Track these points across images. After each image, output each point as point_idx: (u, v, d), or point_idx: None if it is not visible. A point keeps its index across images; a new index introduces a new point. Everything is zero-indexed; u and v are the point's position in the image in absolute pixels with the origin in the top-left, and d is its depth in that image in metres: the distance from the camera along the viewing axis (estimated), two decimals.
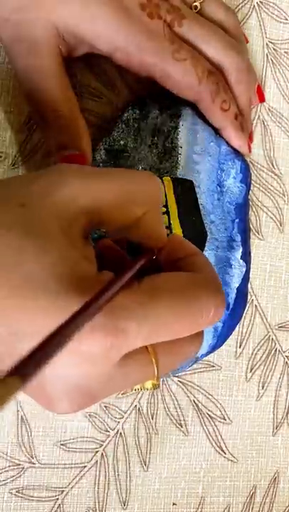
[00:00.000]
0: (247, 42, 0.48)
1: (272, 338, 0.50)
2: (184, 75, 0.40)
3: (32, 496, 0.45)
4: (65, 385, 0.27)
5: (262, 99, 0.48)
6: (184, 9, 0.41)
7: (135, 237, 0.31)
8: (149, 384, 0.30)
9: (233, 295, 0.46)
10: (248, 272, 0.47)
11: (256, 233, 0.50)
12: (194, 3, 0.42)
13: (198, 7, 0.42)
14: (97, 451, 0.46)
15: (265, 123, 0.50)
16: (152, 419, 0.47)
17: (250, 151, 0.46)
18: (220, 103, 0.42)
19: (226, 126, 0.44)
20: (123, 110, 0.44)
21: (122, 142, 0.43)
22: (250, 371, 0.49)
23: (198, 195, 0.45)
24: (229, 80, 0.43)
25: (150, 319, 0.25)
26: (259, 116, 0.50)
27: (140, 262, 0.29)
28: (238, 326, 0.49)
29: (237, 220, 0.46)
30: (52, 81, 0.38)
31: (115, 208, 0.29)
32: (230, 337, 0.48)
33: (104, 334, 0.24)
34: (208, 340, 0.45)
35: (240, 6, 0.49)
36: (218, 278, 0.30)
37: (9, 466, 0.44)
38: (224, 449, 0.49)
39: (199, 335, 0.30)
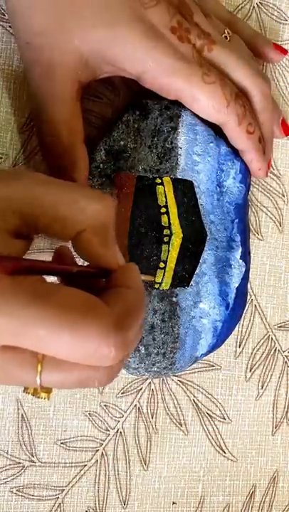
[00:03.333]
0: (285, 54, 0.48)
1: (272, 338, 0.50)
2: (213, 97, 0.40)
3: (32, 495, 0.45)
4: None
5: (287, 132, 0.48)
6: (215, 35, 0.41)
7: (79, 253, 0.31)
8: (42, 393, 0.28)
9: (232, 295, 0.46)
10: (247, 271, 0.47)
11: (256, 233, 0.50)
12: (224, 34, 0.42)
13: (228, 39, 0.43)
14: (97, 450, 0.46)
15: None
16: (152, 418, 0.47)
17: (266, 176, 0.47)
18: (246, 126, 0.42)
19: (249, 148, 0.44)
20: (123, 111, 0.44)
21: (122, 143, 0.44)
22: (250, 371, 0.50)
23: (197, 196, 0.45)
24: (255, 105, 0.43)
25: (17, 320, 0.24)
26: None
27: (59, 266, 0.29)
28: (237, 326, 0.49)
29: (236, 221, 0.46)
30: (59, 107, 0.38)
31: (49, 220, 0.29)
32: (230, 337, 0.48)
33: None
34: (207, 339, 0.45)
35: (240, 6, 0.49)
36: (134, 320, 0.28)
37: (9, 465, 0.44)
38: (224, 448, 0.49)
39: (104, 369, 0.27)
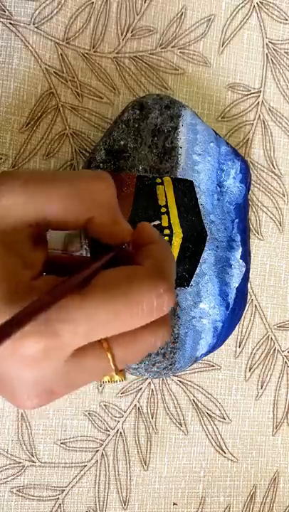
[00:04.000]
0: None
1: (272, 338, 0.50)
2: None
3: (32, 495, 0.45)
4: (24, 383, 0.28)
5: None
6: None
7: (94, 235, 0.32)
8: (116, 377, 0.30)
9: (232, 295, 0.46)
10: (247, 271, 0.47)
11: (256, 233, 0.50)
12: None
13: None
14: (97, 451, 0.46)
15: (266, 123, 0.50)
16: (152, 418, 0.47)
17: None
18: None
19: None
20: (123, 110, 0.44)
21: (122, 142, 0.43)
22: (249, 370, 0.49)
23: (198, 196, 0.45)
24: None
25: (83, 320, 0.26)
26: (259, 116, 0.50)
27: (98, 263, 0.30)
28: (237, 326, 0.49)
29: (237, 220, 0.46)
30: None
31: (59, 216, 0.29)
32: (230, 337, 0.48)
33: (37, 338, 0.26)
34: (207, 340, 0.45)
35: (241, 6, 0.49)
36: (167, 266, 0.30)
37: (10, 464, 0.44)
38: (224, 448, 0.49)
39: (161, 324, 0.29)
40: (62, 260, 0.34)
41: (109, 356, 0.28)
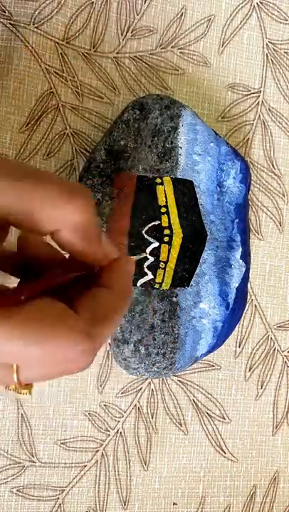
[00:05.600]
0: None
1: (272, 338, 0.50)
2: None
3: (32, 495, 0.45)
4: None
5: None
6: None
7: (61, 248, 0.30)
8: (22, 389, 0.29)
9: (232, 295, 0.46)
10: (247, 271, 0.47)
11: (256, 233, 0.50)
12: None
13: None
14: (97, 451, 0.46)
15: (266, 123, 0.50)
16: (152, 418, 0.47)
17: None
18: None
19: None
20: (123, 110, 0.44)
21: (122, 142, 0.43)
22: (249, 370, 0.49)
23: (198, 196, 0.45)
24: None
25: None
26: (259, 116, 0.50)
27: (49, 280, 0.28)
28: (237, 326, 0.49)
29: (237, 220, 0.46)
30: None
31: (20, 218, 0.28)
32: (230, 337, 0.48)
33: None
34: (207, 340, 0.45)
35: (241, 6, 0.49)
36: (106, 323, 0.28)
37: (10, 464, 0.44)
38: (224, 448, 0.49)
39: (74, 361, 0.28)
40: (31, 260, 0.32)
41: (14, 368, 0.27)
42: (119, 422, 0.46)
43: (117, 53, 0.47)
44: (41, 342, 0.26)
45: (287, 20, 0.51)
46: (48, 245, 0.32)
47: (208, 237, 0.45)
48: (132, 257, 0.31)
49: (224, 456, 0.49)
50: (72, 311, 0.27)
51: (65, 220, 0.28)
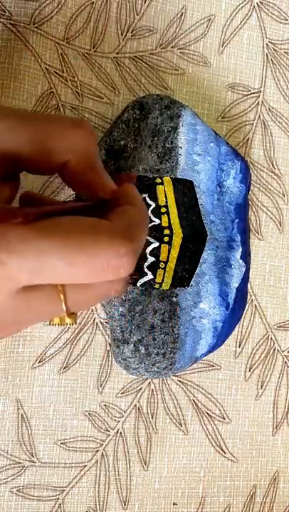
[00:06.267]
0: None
1: (272, 338, 0.50)
2: None
3: (32, 496, 0.45)
4: None
5: None
6: None
7: (69, 184, 0.31)
8: (67, 319, 0.29)
9: (232, 295, 0.46)
10: (247, 271, 0.47)
11: (256, 233, 0.50)
12: None
13: None
14: (97, 451, 0.46)
15: (266, 123, 0.50)
16: (152, 418, 0.47)
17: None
18: None
19: None
20: (123, 110, 0.44)
21: (122, 142, 0.43)
22: (249, 370, 0.49)
23: (198, 196, 0.45)
24: None
25: (31, 256, 0.25)
26: (259, 116, 0.50)
27: (65, 205, 0.29)
28: (237, 326, 0.49)
29: (237, 220, 0.46)
30: None
31: (33, 154, 0.28)
32: (230, 337, 0.48)
33: None
34: (207, 340, 0.45)
35: (241, 6, 0.50)
36: (137, 230, 0.28)
37: (10, 465, 0.44)
38: (224, 448, 0.49)
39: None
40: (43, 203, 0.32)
41: (62, 298, 0.27)
42: (119, 422, 0.46)
43: (117, 53, 0.47)
44: (84, 249, 0.25)
45: (287, 20, 0.51)
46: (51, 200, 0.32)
47: (208, 237, 0.45)
48: (132, 185, 0.32)
49: (224, 456, 0.49)
50: (105, 220, 0.27)
51: (73, 148, 0.29)
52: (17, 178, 0.31)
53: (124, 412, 0.47)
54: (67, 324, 0.29)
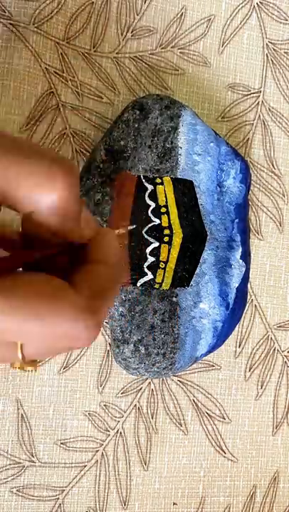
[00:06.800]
0: None
1: (272, 338, 0.50)
2: None
3: (32, 495, 0.45)
4: None
5: None
6: None
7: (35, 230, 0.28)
8: (28, 367, 0.28)
9: (232, 295, 0.46)
10: (247, 271, 0.47)
11: (256, 233, 0.50)
12: None
13: None
14: (97, 451, 0.46)
15: (266, 123, 0.50)
16: (152, 418, 0.47)
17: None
18: None
19: None
20: (123, 110, 0.44)
21: (122, 142, 0.43)
22: (249, 370, 0.49)
23: (198, 196, 0.45)
24: None
25: None
26: (259, 116, 0.50)
27: (33, 254, 0.27)
28: (237, 326, 0.49)
29: (237, 220, 0.46)
30: None
31: (20, 192, 0.25)
32: (230, 337, 0.48)
33: None
34: (207, 340, 0.45)
35: (240, 6, 0.49)
36: (106, 297, 0.27)
37: (10, 465, 0.44)
38: (224, 448, 0.49)
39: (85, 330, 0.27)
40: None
41: (19, 348, 0.26)
42: (119, 422, 0.46)
43: (117, 53, 0.47)
44: (41, 318, 0.25)
45: (287, 20, 0.51)
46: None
47: (208, 237, 0.45)
48: (112, 230, 0.30)
49: (224, 456, 0.49)
50: (69, 285, 0.26)
51: (41, 201, 0.25)
52: None
53: (124, 412, 0.47)
54: (28, 370, 0.29)
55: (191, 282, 0.45)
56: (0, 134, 0.26)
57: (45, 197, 0.25)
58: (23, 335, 0.25)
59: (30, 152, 0.25)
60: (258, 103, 0.50)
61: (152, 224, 0.44)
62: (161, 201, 0.44)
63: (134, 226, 0.43)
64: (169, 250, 0.44)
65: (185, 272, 0.44)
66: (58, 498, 0.45)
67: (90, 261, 0.28)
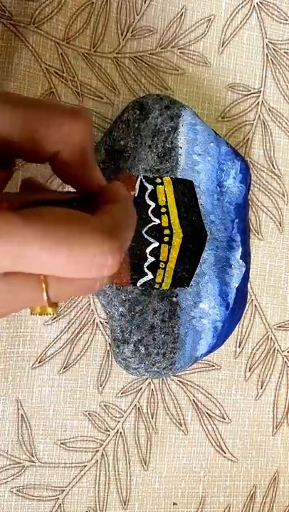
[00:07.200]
0: None
1: (272, 338, 0.50)
2: None
3: (32, 496, 0.45)
4: None
5: None
6: None
7: (57, 174, 0.30)
8: (48, 309, 0.29)
9: (232, 295, 0.46)
10: (247, 271, 0.47)
11: (256, 233, 0.50)
12: None
13: None
14: (97, 451, 0.46)
15: (266, 123, 0.50)
16: (152, 418, 0.47)
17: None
18: None
19: None
20: (123, 110, 0.44)
21: (122, 142, 0.43)
22: (249, 370, 0.49)
23: (198, 196, 0.45)
24: None
25: (15, 243, 0.24)
26: (259, 116, 0.50)
27: (53, 195, 0.28)
28: (237, 326, 0.49)
29: (237, 220, 0.46)
30: None
31: (22, 141, 0.28)
32: (230, 337, 0.48)
33: None
34: (207, 340, 0.45)
35: (240, 6, 0.49)
36: (123, 228, 0.28)
37: (10, 465, 0.44)
38: (224, 448, 0.49)
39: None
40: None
41: (44, 287, 0.26)
42: (119, 422, 0.46)
43: (117, 53, 0.47)
44: (67, 242, 0.25)
45: (287, 20, 0.51)
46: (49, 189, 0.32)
47: (208, 237, 0.45)
48: (119, 183, 0.31)
49: (224, 456, 0.49)
50: (92, 216, 0.27)
51: (66, 139, 0.28)
52: (10, 164, 0.30)
53: (124, 412, 0.47)
54: (48, 314, 0.29)
55: (191, 282, 0.45)
56: (15, 94, 0.28)
57: (69, 135, 0.28)
58: (49, 265, 0.25)
59: (52, 101, 0.29)
60: (258, 103, 0.50)
61: (152, 224, 0.44)
62: (161, 201, 0.44)
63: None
64: (169, 250, 0.44)
65: (185, 272, 0.44)
66: (58, 498, 0.45)
67: (106, 202, 0.29)
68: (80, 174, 0.29)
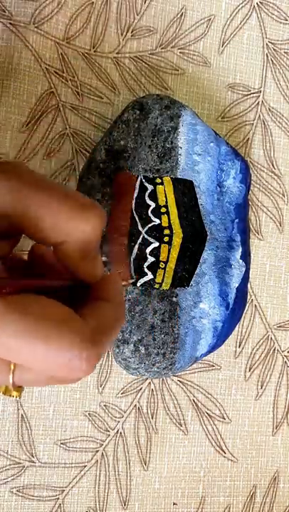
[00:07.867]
0: None
1: (272, 338, 0.50)
2: None
3: (32, 496, 0.45)
4: None
5: None
6: None
7: (60, 261, 0.30)
8: (13, 392, 0.29)
9: (232, 295, 0.46)
10: (247, 271, 0.47)
11: (256, 233, 0.50)
12: None
13: None
14: (97, 451, 0.46)
15: (266, 123, 0.50)
16: (152, 418, 0.47)
17: None
18: None
19: None
20: (123, 110, 0.44)
21: (122, 142, 0.43)
22: (249, 370, 0.49)
23: (198, 196, 0.45)
24: None
25: None
26: (259, 116, 0.50)
27: (51, 282, 0.28)
28: (237, 326, 0.49)
29: (237, 220, 0.46)
30: None
31: (34, 229, 0.27)
32: (230, 337, 0.48)
33: None
34: (207, 340, 0.45)
35: (240, 6, 0.49)
36: (107, 334, 0.28)
37: (10, 465, 0.44)
38: (224, 448, 0.49)
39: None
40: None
41: (11, 371, 0.26)
42: (119, 422, 0.46)
43: (117, 53, 0.47)
44: (46, 340, 0.25)
45: (287, 20, 0.51)
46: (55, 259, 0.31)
47: (208, 237, 0.45)
48: (117, 274, 0.31)
49: (224, 456, 0.49)
50: (78, 315, 0.27)
51: (74, 233, 0.27)
52: (15, 239, 0.30)
53: (124, 412, 0.47)
54: (11, 396, 0.29)
55: (191, 282, 0.45)
56: (24, 169, 0.27)
57: (80, 229, 0.27)
58: (22, 356, 0.25)
59: (66, 189, 0.28)
60: (258, 103, 0.50)
61: (152, 224, 0.44)
62: (161, 201, 0.44)
63: (135, 279, 0.43)
64: (169, 250, 0.44)
65: (185, 272, 0.44)
66: (58, 498, 0.45)
67: (96, 298, 0.29)
68: (80, 266, 0.29)
